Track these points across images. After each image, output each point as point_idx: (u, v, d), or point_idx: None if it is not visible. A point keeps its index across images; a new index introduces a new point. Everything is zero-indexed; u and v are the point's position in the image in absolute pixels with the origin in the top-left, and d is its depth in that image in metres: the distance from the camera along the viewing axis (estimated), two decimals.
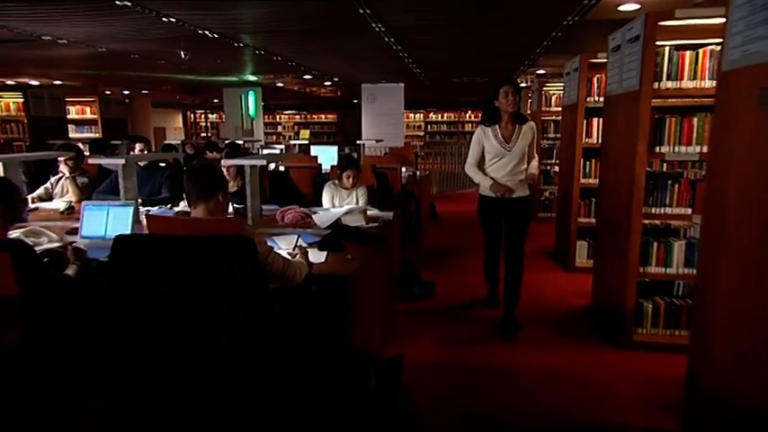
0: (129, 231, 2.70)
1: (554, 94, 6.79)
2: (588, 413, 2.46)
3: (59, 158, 4.28)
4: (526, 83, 9.68)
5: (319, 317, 2.39)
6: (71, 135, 9.46)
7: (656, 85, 2.95)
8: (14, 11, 3.70)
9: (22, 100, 8.44)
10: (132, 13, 3.75)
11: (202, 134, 17.93)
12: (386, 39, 5.10)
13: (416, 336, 3.32)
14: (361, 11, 3.87)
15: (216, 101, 15.75)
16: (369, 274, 2.65)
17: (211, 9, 3.95)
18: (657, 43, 2.93)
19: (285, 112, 19.61)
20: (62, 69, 8.03)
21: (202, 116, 18.43)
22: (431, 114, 18.52)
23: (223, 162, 3.35)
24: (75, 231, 2.86)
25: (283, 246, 2.62)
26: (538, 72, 8.76)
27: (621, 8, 3.84)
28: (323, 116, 19.56)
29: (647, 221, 3.18)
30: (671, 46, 2.94)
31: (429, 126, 18.57)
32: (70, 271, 2.26)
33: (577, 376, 2.81)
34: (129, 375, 1.93)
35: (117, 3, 3.47)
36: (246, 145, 7.52)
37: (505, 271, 3.44)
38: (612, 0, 3.58)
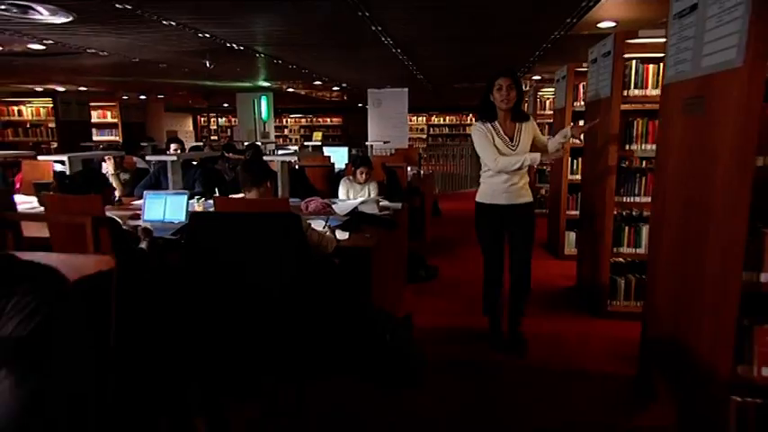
0: (183, 215, 3.25)
1: (548, 98, 7.32)
2: (566, 364, 2.99)
3: (105, 157, 4.84)
4: (524, 87, 10.24)
5: (344, 284, 2.93)
6: (94, 138, 10.04)
7: (625, 93, 3.48)
8: (72, 29, 4.26)
9: (51, 105, 9.04)
10: (174, 29, 4.30)
11: (212, 137, 18.50)
12: (393, 50, 5.65)
13: (423, 308, 3.84)
14: (374, 27, 4.43)
15: (225, 105, 16.35)
16: (383, 250, 3.19)
17: (242, 26, 4.51)
18: (626, 56, 3.47)
19: (291, 116, 20.18)
20: (88, 76, 8.59)
21: (212, 120, 19.01)
22: (433, 117, 19.06)
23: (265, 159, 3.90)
24: (136, 217, 3.41)
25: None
26: (534, 78, 9.30)
27: (600, 25, 4.38)
28: (328, 119, 20.12)
29: (623, 211, 3.72)
30: (637, 59, 3.48)
31: (431, 129, 19.11)
32: (143, 245, 2.80)
33: (559, 338, 3.34)
34: (202, 325, 2.47)
35: (164, 23, 4.03)
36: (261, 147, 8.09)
37: (510, 285, 3.12)
38: (592, 19, 4.11)
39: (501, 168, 2.89)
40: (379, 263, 3.05)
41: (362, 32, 4.65)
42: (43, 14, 3.62)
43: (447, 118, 19.00)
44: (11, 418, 0.88)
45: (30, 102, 9.49)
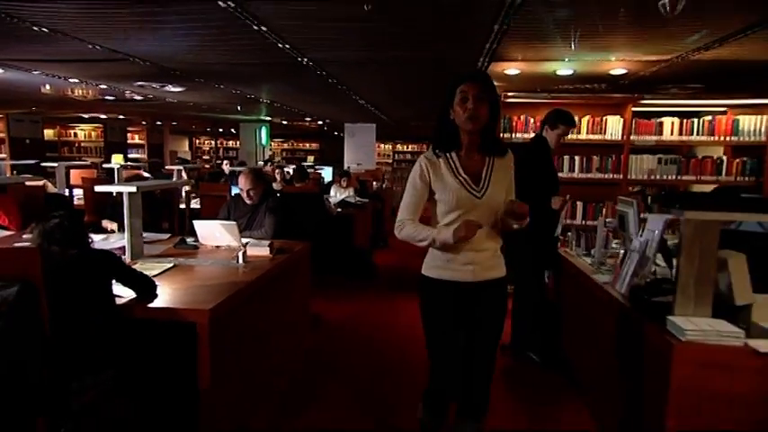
0: None
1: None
2: None
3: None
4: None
5: (341, 232, 5.83)
6: (130, 156, 12.68)
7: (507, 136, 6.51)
8: (175, 92, 7.10)
9: (101, 129, 11.69)
10: (232, 93, 7.20)
11: (205, 157, 21.18)
12: (366, 105, 8.70)
13: (378, 257, 6.78)
14: (355, 97, 7.44)
15: (220, 130, 19.09)
16: (359, 220, 6.14)
17: (266, 89, 7.45)
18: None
19: (275, 140, 23.03)
20: (125, 108, 11.25)
21: (205, 142, 21.71)
22: (398, 145, 22.30)
23: (285, 169, 6.81)
24: None
25: None
26: None
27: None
28: (307, 144, 23.08)
29: None
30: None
31: (396, 155, 22.32)
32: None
33: None
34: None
35: (232, 91, 6.93)
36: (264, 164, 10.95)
37: (461, 398, 2.04)
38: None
39: (402, 237, 2.03)
40: (356, 224, 6.01)
41: (344, 97, 7.65)
42: (169, 87, 6.43)
43: (409, 146, 22.25)
44: (268, 231, 3.81)
45: (78, 125, 12.10)
